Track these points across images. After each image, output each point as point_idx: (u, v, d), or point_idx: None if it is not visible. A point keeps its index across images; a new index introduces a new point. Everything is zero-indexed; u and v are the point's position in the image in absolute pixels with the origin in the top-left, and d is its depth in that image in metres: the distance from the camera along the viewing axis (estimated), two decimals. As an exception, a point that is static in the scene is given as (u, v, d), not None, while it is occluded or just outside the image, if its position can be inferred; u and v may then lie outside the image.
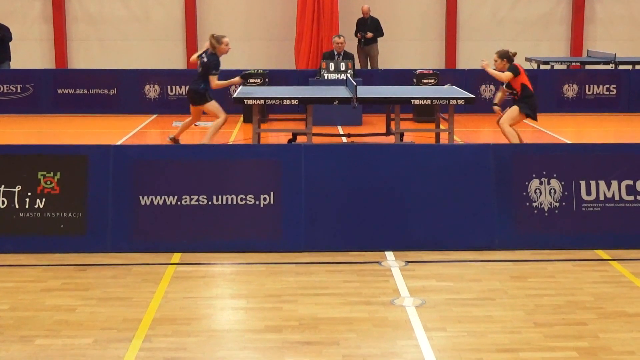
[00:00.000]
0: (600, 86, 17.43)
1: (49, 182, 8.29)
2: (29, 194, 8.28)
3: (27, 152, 8.56)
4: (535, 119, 11.78)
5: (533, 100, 11.59)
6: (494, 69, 11.80)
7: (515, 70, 11.44)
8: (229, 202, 8.33)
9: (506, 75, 11.42)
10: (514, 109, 11.51)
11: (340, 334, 6.18)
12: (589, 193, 8.41)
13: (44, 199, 8.28)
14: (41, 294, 7.09)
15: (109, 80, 17.27)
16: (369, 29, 19.29)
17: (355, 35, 19.45)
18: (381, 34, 19.51)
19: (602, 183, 8.42)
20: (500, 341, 6.02)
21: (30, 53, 21.57)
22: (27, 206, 8.27)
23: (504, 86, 11.72)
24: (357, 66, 18.82)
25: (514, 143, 11.07)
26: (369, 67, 19.40)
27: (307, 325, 6.35)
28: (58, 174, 8.30)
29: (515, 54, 11.76)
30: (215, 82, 12.22)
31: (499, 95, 12.23)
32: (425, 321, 6.40)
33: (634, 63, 19.18)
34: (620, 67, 18.78)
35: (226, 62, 21.05)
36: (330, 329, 6.27)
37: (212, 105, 12.35)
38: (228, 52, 12.42)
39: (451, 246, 8.29)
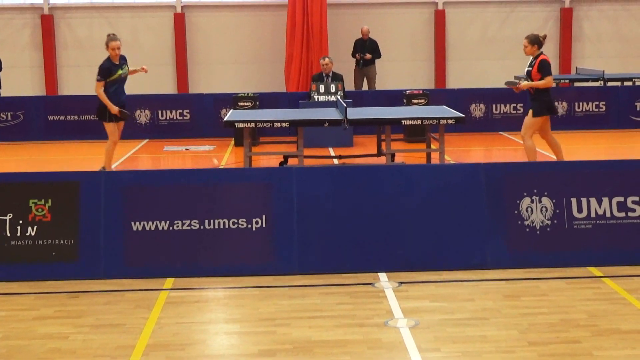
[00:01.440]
0: (590, 103, 17.51)
1: (40, 210, 8.28)
2: (20, 221, 8.26)
3: (18, 180, 8.55)
4: (554, 114, 11.66)
5: (547, 96, 11.42)
6: (528, 81, 11.49)
7: (549, 69, 11.30)
8: (221, 226, 8.32)
9: (549, 81, 11.25)
10: (529, 115, 11.45)
11: (334, 356, 6.16)
12: (580, 210, 8.43)
13: (35, 227, 8.26)
14: (33, 322, 7.05)
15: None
16: (368, 50, 19.36)
17: (353, 56, 19.50)
18: (379, 55, 19.56)
19: (593, 200, 8.44)
20: (494, 361, 6.02)
21: (20, 80, 21.59)
22: (18, 234, 8.24)
23: (526, 75, 11.55)
24: (351, 87, 18.89)
25: (529, 161, 11.03)
26: (367, 88, 19.43)
27: (302, 348, 6.33)
28: (49, 201, 8.29)
29: (545, 37, 11.67)
30: (98, 89, 11.78)
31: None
32: (419, 342, 6.39)
33: (622, 79, 19.29)
34: (609, 83, 18.89)
35: (218, 86, 21.16)
36: (325, 351, 6.25)
37: (108, 127, 11.96)
38: (117, 57, 11.94)
39: (444, 266, 8.29)
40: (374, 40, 19.61)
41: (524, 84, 11.46)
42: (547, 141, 11.73)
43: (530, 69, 11.53)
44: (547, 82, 11.27)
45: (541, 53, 11.49)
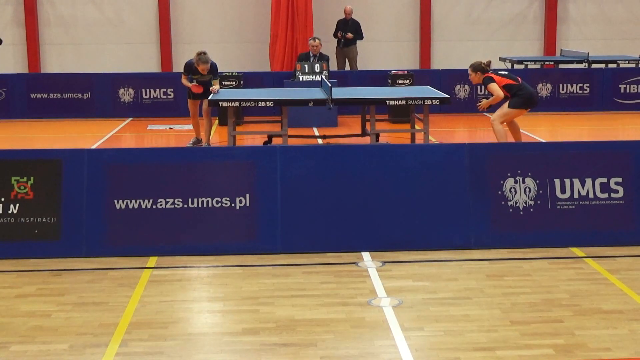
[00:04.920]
0: (574, 85, 17.54)
1: (22, 187, 8.22)
2: (3, 199, 8.20)
3: (0, 157, 8.48)
4: (531, 107, 11.69)
5: (524, 91, 11.48)
6: (486, 98, 11.84)
7: (490, 81, 11.42)
8: (205, 205, 8.30)
9: (500, 92, 11.34)
10: (505, 105, 11.53)
11: (317, 335, 6.17)
12: (563, 191, 8.46)
13: (17, 204, 8.21)
14: (16, 299, 7.03)
15: (83, 84, 17.16)
16: (350, 30, 19.26)
17: (335, 35, 19.41)
18: (361, 37, 19.45)
19: (576, 181, 8.47)
20: (477, 340, 6.04)
21: (2, 57, 21.39)
22: (0, 212, 8.19)
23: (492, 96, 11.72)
24: (334, 67, 18.81)
25: (497, 142, 11.07)
26: (349, 69, 19.35)
27: (285, 327, 6.34)
28: (32, 178, 8.24)
29: (489, 63, 11.74)
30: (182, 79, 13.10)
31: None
32: (402, 321, 6.41)
33: (606, 62, 19.32)
34: (593, 66, 18.92)
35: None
36: (308, 330, 6.26)
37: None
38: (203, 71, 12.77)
39: (427, 246, 8.30)
40: (356, 21, 19.54)
41: (483, 102, 11.69)
42: (493, 127, 11.64)
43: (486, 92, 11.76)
44: (494, 92, 11.36)
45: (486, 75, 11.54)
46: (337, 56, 19.44)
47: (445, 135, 14.47)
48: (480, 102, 11.85)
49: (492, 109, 12.09)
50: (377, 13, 21.92)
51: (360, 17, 19.94)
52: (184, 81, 12.93)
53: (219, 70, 13.30)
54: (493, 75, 11.54)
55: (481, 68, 11.62)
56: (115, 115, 16.92)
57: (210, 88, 12.58)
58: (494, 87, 11.37)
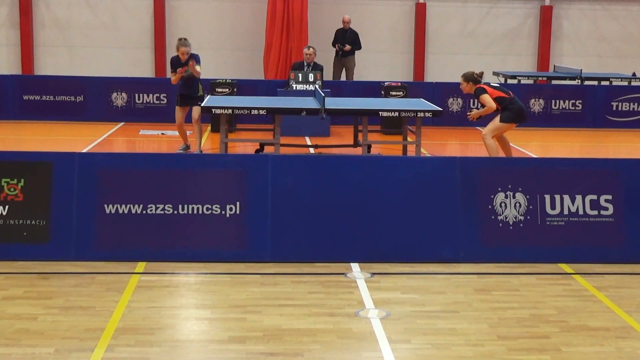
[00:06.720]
0: (566, 101, 17.60)
1: (12, 189, 8.20)
2: (-8, 200, 8.19)
3: (-10, 159, 8.46)
4: (521, 122, 11.73)
5: (515, 105, 11.53)
6: (475, 109, 11.93)
7: (482, 92, 11.46)
8: (195, 212, 8.29)
9: (492, 104, 11.40)
10: (495, 119, 11.56)
11: (304, 345, 6.16)
12: (553, 207, 8.48)
13: (7, 206, 8.18)
14: (2, 302, 7.00)
15: (76, 87, 17.14)
16: (348, 40, 19.29)
17: (333, 45, 19.44)
18: (359, 47, 19.48)
19: (566, 197, 8.49)
20: (464, 354, 6.04)
21: (-4, 58, 21.40)
22: (-11, 213, 8.18)
23: (482, 107, 11.73)
24: (330, 77, 18.82)
25: (488, 156, 11.10)
26: (345, 79, 19.38)
27: (272, 336, 6.33)
28: (22, 180, 8.21)
29: (481, 74, 11.78)
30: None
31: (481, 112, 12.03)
32: (389, 333, 6.41)
33: (599, 79, 19.40)
34: (586, 82, 18.98)
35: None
36: (295, 340, 6.26)
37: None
38: (183, 58, 12.68)
39: (416, 258, 8.30)
40: (354, 31, 19.57)
41: (474, 112, 11.81)
42: (484, 141, 11.67)
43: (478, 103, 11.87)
44: (486, 103, 11.41)
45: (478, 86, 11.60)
46: (334, 66, 19.47)
47: (437, 148, 14.50)
48: (471, 111, 11.90)
49: (482, 121, 12.13)
50: (372, 25, 21.96)
51: (355, 29, 19.97)
52: (173, 78, 12.84)
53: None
54: (485, 87, 11.58)
55: (473, 78, 11.65)
56: (108, 119, 16.89)
57: (190, 63, 12.57)
58: (487, 99, 11.39)
